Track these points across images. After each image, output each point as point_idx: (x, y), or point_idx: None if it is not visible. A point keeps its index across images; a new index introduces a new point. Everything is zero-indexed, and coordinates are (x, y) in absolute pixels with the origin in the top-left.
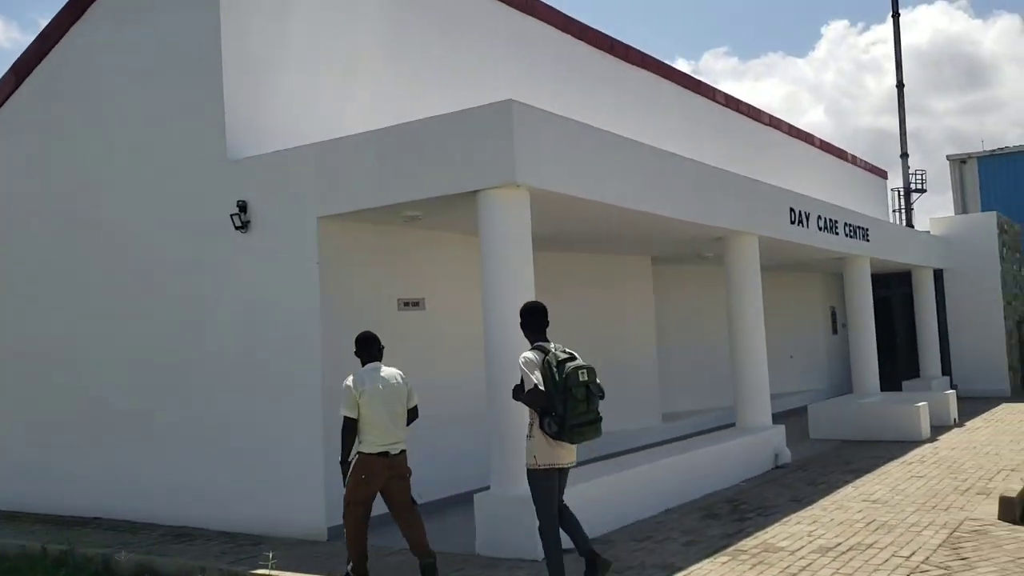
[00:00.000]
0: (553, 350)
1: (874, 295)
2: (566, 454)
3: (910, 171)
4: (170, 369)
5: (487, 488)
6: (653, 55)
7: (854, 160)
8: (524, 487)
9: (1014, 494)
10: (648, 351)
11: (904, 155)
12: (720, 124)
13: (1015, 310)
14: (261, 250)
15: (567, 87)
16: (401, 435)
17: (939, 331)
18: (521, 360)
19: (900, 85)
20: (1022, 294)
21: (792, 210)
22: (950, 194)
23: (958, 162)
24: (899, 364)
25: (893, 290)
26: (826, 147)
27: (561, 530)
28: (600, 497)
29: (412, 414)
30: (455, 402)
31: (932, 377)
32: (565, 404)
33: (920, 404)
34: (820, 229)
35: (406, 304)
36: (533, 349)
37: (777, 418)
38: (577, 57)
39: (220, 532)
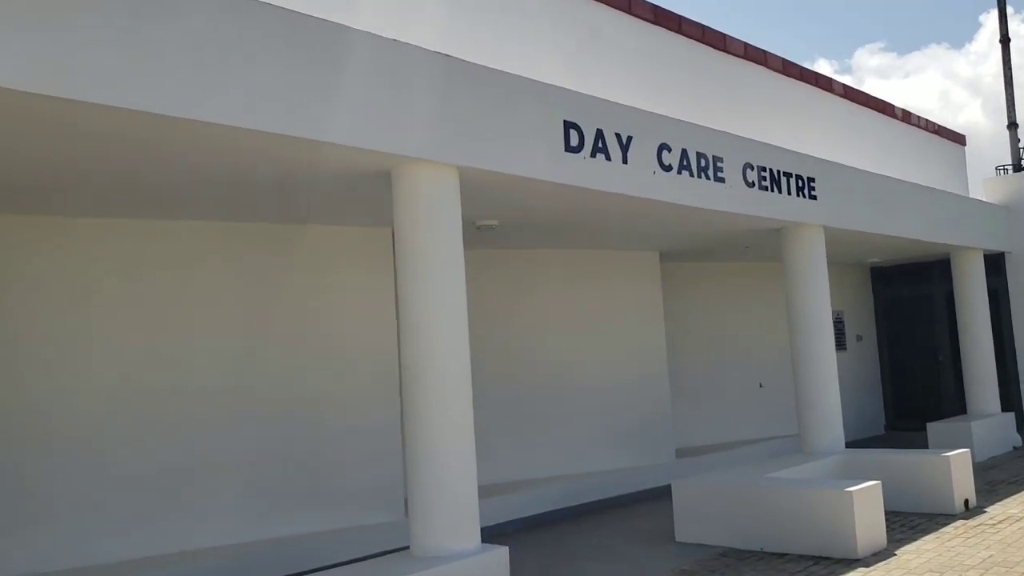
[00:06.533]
0: None
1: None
2: None
3: (1019, 143)
4: None
5: None
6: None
7: (907, 117)
8: None
9: None
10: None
11: (1012, 125)
12: (689, 65)
13: None
14: None
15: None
16: None
17: (1002, 343)
18: None
19: (1005, 40)
20: None
21: (573, 127)
22: None
23: None
24: (944, 394)
25: (937, 285)
26: (855, 96)
27: None
28: None
29: None
30: None
31: (983, 415)
32: None
33: (860, 487)
34: (668, 169)
35: None
36: None
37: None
38: None
39: None
